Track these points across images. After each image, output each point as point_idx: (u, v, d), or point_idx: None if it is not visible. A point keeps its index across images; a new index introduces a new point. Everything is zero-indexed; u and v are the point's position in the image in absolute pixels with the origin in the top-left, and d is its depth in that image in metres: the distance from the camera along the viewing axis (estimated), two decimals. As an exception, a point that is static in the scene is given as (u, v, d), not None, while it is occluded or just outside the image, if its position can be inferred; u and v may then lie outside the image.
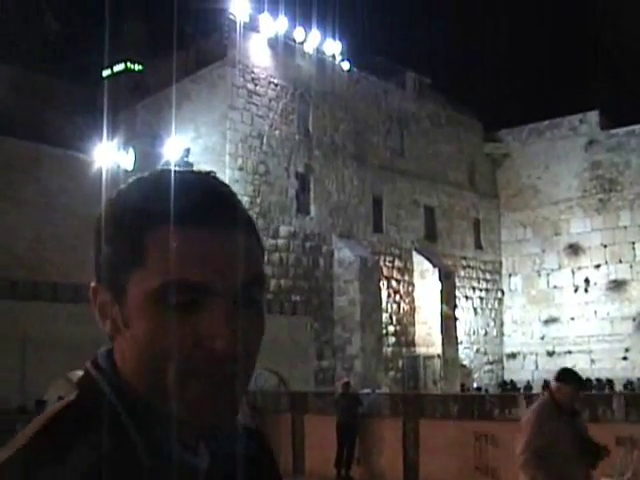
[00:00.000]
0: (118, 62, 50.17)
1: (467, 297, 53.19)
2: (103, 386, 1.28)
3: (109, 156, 35.10)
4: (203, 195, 1.27)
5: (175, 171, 1.35)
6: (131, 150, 37.11)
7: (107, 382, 1.29)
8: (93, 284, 1.31)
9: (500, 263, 56.67)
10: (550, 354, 53.61)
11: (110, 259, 1.27)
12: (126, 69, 50.95)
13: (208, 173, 1.38)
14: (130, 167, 36.15)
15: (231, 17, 40.88)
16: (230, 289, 1.23)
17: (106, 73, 49.40)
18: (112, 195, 1.34)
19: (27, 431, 1.23)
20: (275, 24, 42.37)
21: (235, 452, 1.40)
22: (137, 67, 51.11)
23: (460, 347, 49.32)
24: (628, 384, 42.75)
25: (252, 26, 41.61)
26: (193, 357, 1.22)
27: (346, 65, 46.65)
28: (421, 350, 47.24)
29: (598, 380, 44.83)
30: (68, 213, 32.38)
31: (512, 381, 51.15)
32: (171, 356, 1.21)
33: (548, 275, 54.78)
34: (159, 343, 1.21)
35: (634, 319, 50.82)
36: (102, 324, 1.31)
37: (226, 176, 37.92)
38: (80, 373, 1.37)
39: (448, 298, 47.64)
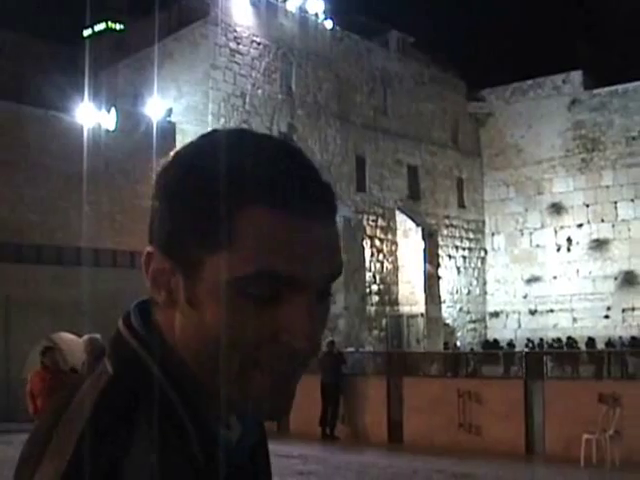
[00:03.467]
0: (99, 22, 49.84)
1: (450, 256, 53.33)
2: (146, 360, 1.17)
3: (91, 116, 34.88)
4: (310, 181, 1.16)
5: (265, 137, 1.21)
6: (113, 110, 36.81)
7: (149, 355, 1.18)
8: (149, 249, 1.18)
9: (483, 222, 56.79)
10: (532, 313, 53.90)
11: (185, 231, 1.13)
12: (107, 28, 50.68)
13: (292, 145, 1.22)
14: (112, 127, 35.92)
15: (213, -25, 40.59)
16: (316, 283, 1.15)
17: (87, 33, 49.05)
18: (188, 150, 1.21)
19: (73, 424, 1.11)
20: (257, -18, 42.09)
21: (259, 424, 1.37)
22: (118, 26, 50.83)
23: (443, 306, 49.59)
24: (609, 342, 43.06)
25: (234, -16, 41.36)
26: (266, 350, 1.13)
27: (329, 24, 46.38)
28: (404, 309, 47.45)
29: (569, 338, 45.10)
30: (50, 174, 32.22)
31: (495, 340, 51.42)
32: (243, 346, 1.12)
33: (531, 234, 54.94)
34: (233, 333, 1.11)
35: (616, 278, 51.11)
36: (153, 291, 1.18)
37: (209, 136, 37.76)
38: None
39: (431, 257, 47.84)
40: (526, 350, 35.15)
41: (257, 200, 1.10)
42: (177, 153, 1.20)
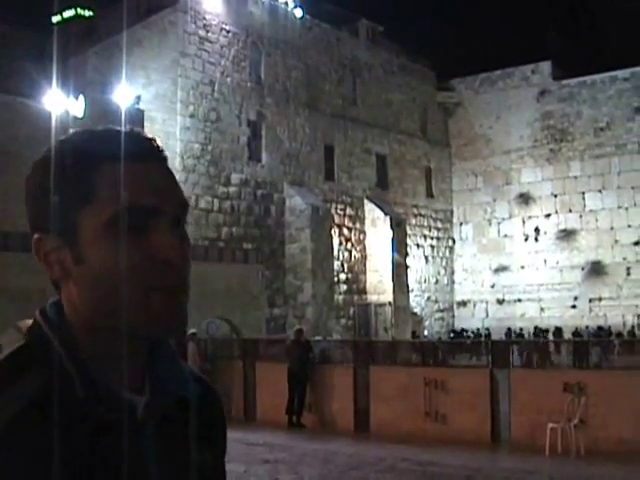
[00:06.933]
0: (68, 8, 49.40)
1: (418, 245, 53.50)
2: (47, 330, 1.40)
3: (59, 103, 34.62)
4: (136, 137, 1.44)
5: (100, 128, 1.49)
6: (81, 97, 36.56)
7: (49, 327, 1.40)
8: (36, 235, 1.43)
9: (451, 212, 57.03)
10: (500, 302, 54.23)
11: (58, 203, 1.38)
12: (76, 15, 50.20)
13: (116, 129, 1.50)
14: (80, 114, 35.66)
15: (182, -38, 40.38)
16: (172, 210, 1.41)
17: (56, 19, 48.64)
18: (43, 153, 1.46)
19: None
20: (227, -30, 41.90)
21: (176, 393, 1.50)
22: (87, 13, 50.37)
23: (411, 295, 49.72)
24: (576, 332, 43.35)
25: (204, -29, 41.17)
26: (150, 271, 1.36)
27: (299, 12, 46.33)
28: (372, 298, 47.53)
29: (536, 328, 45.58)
30: (18, 161, 31.94)
31: (462, 329, 51.66)
32: (131, 274, 1.34)
33: (499, 224, 55.27)
34: (119, 265, 1.34)
35: (583, 268, 51.51)
36: (50, 272, 1.43)
37: (177, 123, 37.66)
38: (30, 322, 1.45)
39: (399, 246, 47.92)
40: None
41: (103, 159, 1.38)
42: (40, 157, 1.46)
